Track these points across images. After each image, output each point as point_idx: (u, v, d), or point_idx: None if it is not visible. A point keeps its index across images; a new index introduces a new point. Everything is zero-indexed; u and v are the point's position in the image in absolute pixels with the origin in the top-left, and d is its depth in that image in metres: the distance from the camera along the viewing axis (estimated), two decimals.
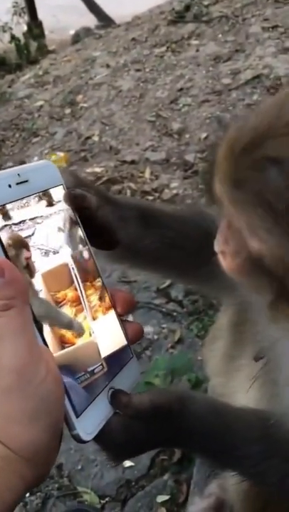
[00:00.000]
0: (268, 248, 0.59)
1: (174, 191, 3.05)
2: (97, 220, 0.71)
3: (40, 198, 0.61)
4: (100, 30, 6.04)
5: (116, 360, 0.64)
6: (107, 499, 1.65)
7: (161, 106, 3.84)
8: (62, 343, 0.58)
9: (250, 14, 4.49)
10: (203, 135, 3.44)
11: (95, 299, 0.64)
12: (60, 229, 0.63)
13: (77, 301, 0.62)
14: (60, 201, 0.64)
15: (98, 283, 0.65)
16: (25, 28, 7.43)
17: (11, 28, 7.03)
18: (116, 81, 4.32)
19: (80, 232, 0.66)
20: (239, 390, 0.98)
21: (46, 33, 7.76)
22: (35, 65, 5.64)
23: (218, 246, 0.69)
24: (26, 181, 0.59)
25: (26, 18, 7.60)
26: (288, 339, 0.75)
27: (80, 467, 1.72)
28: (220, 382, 1.08)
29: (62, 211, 0.64)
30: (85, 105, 4.14)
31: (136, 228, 0.85)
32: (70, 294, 0.61)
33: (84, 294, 0.62)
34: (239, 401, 0.94)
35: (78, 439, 0.58)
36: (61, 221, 0.64)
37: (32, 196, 0.59)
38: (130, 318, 2.22)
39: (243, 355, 1.06)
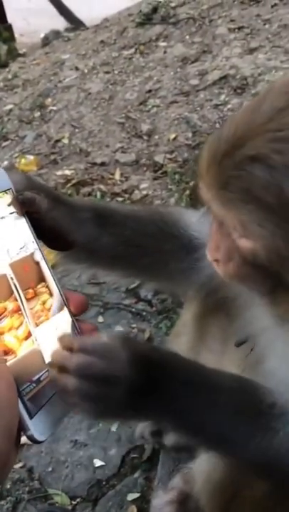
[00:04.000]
0: (262, 243, 0.61)
1: (144, 192, 3.07)
2: (47, 223, 0.72)
3: None
4: (69, 32, 6.02)
5: None
6: (78, 500, 1.65)
7: (130, 108, 3.86)
8: (5, 354, 0.58)
9: (217, 15, 4.54)
10: (172, 136, 3.46)
11: (38, 304, 0.64)
12: None
13: (19, 311, 0.61)
14: (1, 208, 0.64)
15: (43, 288, 0.65)
16: None
17: None
18: (85, 83, 4.32)
19: (28, 236, 0.66)
20: None
21: (16, 36, 7.69)
22: (4, 69, 5.60)
23: (210, 254, 0.72)
24: None
25: None
26: (279, 327, 0.78)
27: (50, 469, 1.72)
28: None
29: (3, 218, 0.64)
30: (55, 108, 4.14)
31: (92, 228, 0.86)
32: (10, 305, 0.61)
33: (24, 303, 0.62)
34: None
35: (33, 440, 0.58)
36: (3, 229, 0.63)
37: None
38: (100, 319, 2.21)
39: (207, 348, 1.07)
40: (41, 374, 0.60)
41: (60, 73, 4.64)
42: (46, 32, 6.89)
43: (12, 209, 0.66)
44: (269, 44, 3.99)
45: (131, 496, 1.62)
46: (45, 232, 0.70)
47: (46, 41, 6.17)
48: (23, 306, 0.62)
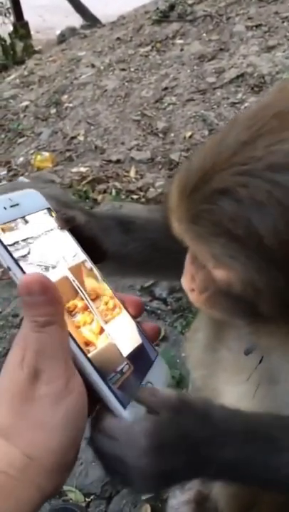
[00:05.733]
0: (235, 275, 0.62)
1: (159, 190, 3.06)
2: (85, 234, 0.75)
3: (26, 222, 0.65)
4: (85, 30, 6.03)
5: (143, 358, 0.67)
6: (92, 497, 1.65)
7: (146, 105, 3.85)
8: (87, 346, 0.60)
9: (234, 13, 4.51)
10: (188, 134, 3.45)
11: (101, 304, 0.67)
12: (52, 246, 0.66)
13: (88, 309, 0.64)
14: (46, 222, 0.68)
15: (101, 290, 0.68)
16: (10, 28, 7.39)
17: None
18: (101, 81, 4.32)
19: (76, 247, 0.70)
20: (223, 382, 0.98)
21: (32, 33, 7.72)
22: (20, 66, 5.63)
23: (185, 284, 0.72)
24: (17, 204, 0.65)
25: (12, 18, 7.56)
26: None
27: None
28: (202, 374, 1.09)
29: (52, 230, 0.68)
30: (70, 105, 4.14)
31: (118, 236, 0.88)
32: (79, 303, 0.64)
33: (90, 302, 0.65)
34: (222, 394, 0.94)
35: None
36: (54, 239, 0.68)
37: (19, 220, 0.64)
38: None
39: (226, 346, 1.07)
40: (122, 366, 0.62)
41: (76, 70, 4.65)
42: (62, 29, 6.91)
43: (55, 224, 0.71)
44: (287, 42, 3.95)
45: (145, 495, 1.62)
46: (83, 244, 0.72)
47: (62, 38, 6.18)
48: (90, 304, 0.64)
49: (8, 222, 0.61)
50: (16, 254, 0.60)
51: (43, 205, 0.69)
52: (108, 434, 0.60)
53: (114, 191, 3.08)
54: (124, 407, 0.59)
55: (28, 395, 0.53)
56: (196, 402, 0.66)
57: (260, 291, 0.61)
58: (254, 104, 3.46)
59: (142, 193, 3.07)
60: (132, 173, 3.26)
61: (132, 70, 4.33)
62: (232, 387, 0.94)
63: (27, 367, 0.54)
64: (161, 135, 3.55)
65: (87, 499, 1.65)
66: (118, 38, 4.90)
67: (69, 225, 0.70)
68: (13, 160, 3.78)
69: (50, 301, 0.54)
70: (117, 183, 3.16)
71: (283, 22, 4.19)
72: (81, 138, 3.73)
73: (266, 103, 0.65)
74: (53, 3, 8.90)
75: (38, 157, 3.62)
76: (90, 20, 7.45)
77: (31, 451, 0.52)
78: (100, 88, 4.22)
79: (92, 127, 3.81)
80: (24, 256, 0.60)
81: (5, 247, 0.59)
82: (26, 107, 4.40)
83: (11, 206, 0.63)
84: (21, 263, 0.59)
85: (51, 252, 0.65)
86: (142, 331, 0.69)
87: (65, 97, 4.29)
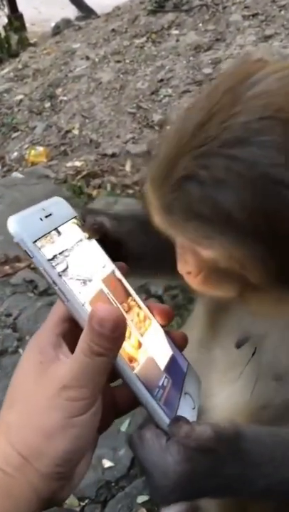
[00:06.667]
0: (216, 253, 0.64)
1: None
2: (111, 238, 0.75)
3: (60, 233, 0.63)
4: (80, 21, 5.94)
5: (177, 368, 0.67)
6: (86, 501, 1.62)
7: (142, 97, 3.79)
8: (130, 362, 0.59)
9: (231, 2, 4.43)
10: None
11: (134, 316, 0.66)
12: (85, 258, 0.65)
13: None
14: (75, 232, 0.67)
15: (132, 301, 0.68)
16: (5, 20, 7.29)
17: None
18: (96, 73, 4.25)
19: (104, 257, 0.69)
20: (215, 381, 0.96)
21: (28, 25, 7.61)
22: (15, 59, 5.55)
23: (181, 268, 0.73)
24: (51, 215, 0.63)
25: (6, 10, 7.45)
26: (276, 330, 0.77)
27: None
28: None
29: (81, 241, 0.66)
30: (65, 98, 4.08)
31: (140, 236, 0.89)
32: None
33: (126, 315, 0.63)
34: (215, 393, 0.92)
35: None
36: (85, 250, 0.66)
37: (53, 232, 0.63)
38: None
39: (219, 344, 1.04)
40: (162, 380, 0.63)
41: (71, 63, 4.58)
42: (57, 21, 6.81)
43: (83, 233, 0.69)
44: (285, 31, 3.88)
45: (141, 499, 1.58)
46: (108, 248, 0.72)
47: (57, 30, 6.10)
48: (127, 318, 0.63)
49: (45, 234, 0.60)
50: (57, 269, 0.58)
51: (71, 213, 0.68)
52: (144, 444, 0.61)
53: (109, 186, 3.03)
54: (170, 419, 0.59)
55: (43, 403, 0.54)
56: (228, 434, 0.64)
57: (244, 263, 0.63)
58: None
59: (137, 188, 3.01)
60: (128, 167, 3.21)
61: (127, 61, 4.26)
62: (224, 387, 0.92)
63: (58, 381, 0.54)
64: (157, 128, 3.49)
65: (81, 503, 1.61)
66: (113, 30, 4.82)
67: (98, 233, 0.70)
68: (7, 155, 3.73)
69: (114, 339, 0.55)
70: (112, 178, 3.11)
71: (280, 11, 4.12)
72: (76, 132, 3.67)
73: (217, 82, 0.66)
74: None
75: (33, 152, 3.57)
76: (85, 11, 7.35)
77: (26, 453, 0.53)
78: (95, 81, 4.16)
79: (87, 120, 3.75)
80: (64, 270, 0.59)
81: (48, 261, 0.58)
82: (20, 100, 4.34)
83: (46, 217, 0.62)
84: (64, 278, 0.58)
85: (85, 264, 0.64)
86: (171, 340, 0.69)
87: (60, 90, 4.23)
